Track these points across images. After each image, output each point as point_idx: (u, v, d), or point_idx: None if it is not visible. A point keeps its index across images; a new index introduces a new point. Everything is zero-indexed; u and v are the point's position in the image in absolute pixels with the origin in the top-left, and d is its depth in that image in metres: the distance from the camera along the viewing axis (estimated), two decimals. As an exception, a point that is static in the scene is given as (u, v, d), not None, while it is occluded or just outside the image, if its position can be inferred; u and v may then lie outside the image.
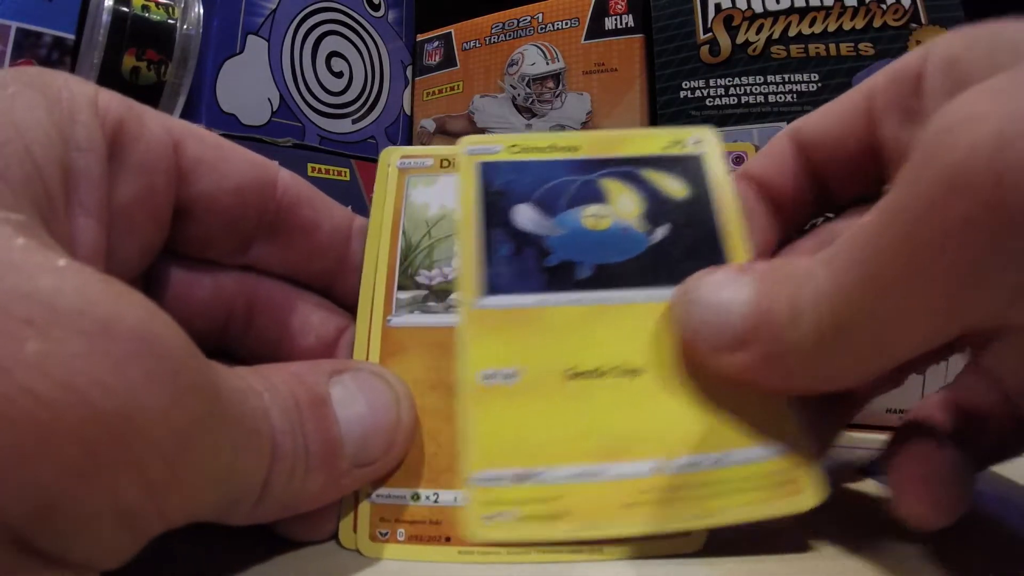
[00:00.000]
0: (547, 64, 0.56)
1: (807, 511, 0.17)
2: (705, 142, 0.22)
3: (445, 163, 0.22)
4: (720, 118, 0.50)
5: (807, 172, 0.21)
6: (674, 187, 0.21)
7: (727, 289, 0.17)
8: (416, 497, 0.17)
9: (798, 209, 0.22)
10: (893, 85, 0.18)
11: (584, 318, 0.19)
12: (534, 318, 0.19)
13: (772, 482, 0.17)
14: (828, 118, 0.21)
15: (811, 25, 0.49)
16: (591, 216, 0.20)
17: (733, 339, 0.17)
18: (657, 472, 0.17)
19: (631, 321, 0.19)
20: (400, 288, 0.20)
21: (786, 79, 0.49)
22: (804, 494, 0.17)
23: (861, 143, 0.20)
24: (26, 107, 0.14)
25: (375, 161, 0.23)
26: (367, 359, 0.19)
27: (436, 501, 0.17)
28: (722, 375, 0.17)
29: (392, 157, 0.22)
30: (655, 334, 0.19)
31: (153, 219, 0.17)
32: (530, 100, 0.56)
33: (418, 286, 0.20)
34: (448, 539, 0.17)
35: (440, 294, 0.20)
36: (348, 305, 0.21)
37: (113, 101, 0.16)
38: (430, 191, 0.21)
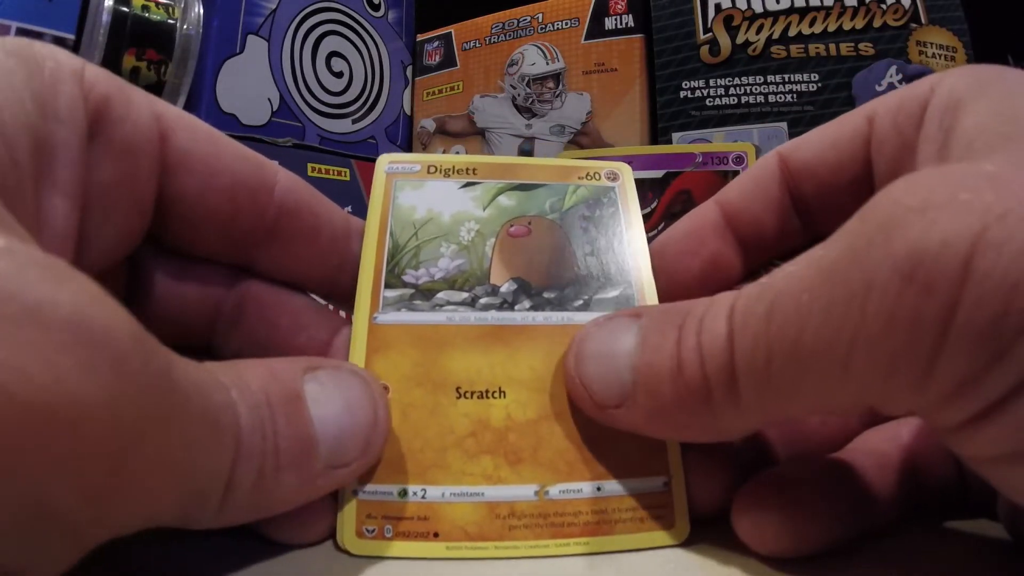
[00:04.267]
0: (547, 64, 0.56)
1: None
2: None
3: (432, 169, 0.23)
4: (720, 118, 0.50)
5: (793, 202, 0.20)
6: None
7: (616, 339, 0.17)
8: (403, 493, 0.17)
9: (774, 242, 0.21)
10: (897, 111, 0.17)
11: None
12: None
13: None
14: (824, 142, 0.19)
15: (811, 25, 0.49)
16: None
17: (620, 394, 0.16)
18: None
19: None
20: (387, 286, 0.20)
21: (786, 79, 0.49)
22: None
23: (857, 173, 0.18)
24: (1, 73, 0.13)
25: (375, 161, 0.23)
26: (354, 356, 0.19)
27: (424, 497, 0.17)
28: (614, 428, 0.17)
29: (382, 162, 0.23)
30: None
31: (132, 207, 0.16)
32: (530, 100, 0.56)
33: (405, 285, 0.20)
34: (436, 535, 0.17)
35: (426, 293, 0.20)
36: (348, 306, 0.20)
37: (101, 76, 0.16)
38: (417, 195, 0.22)
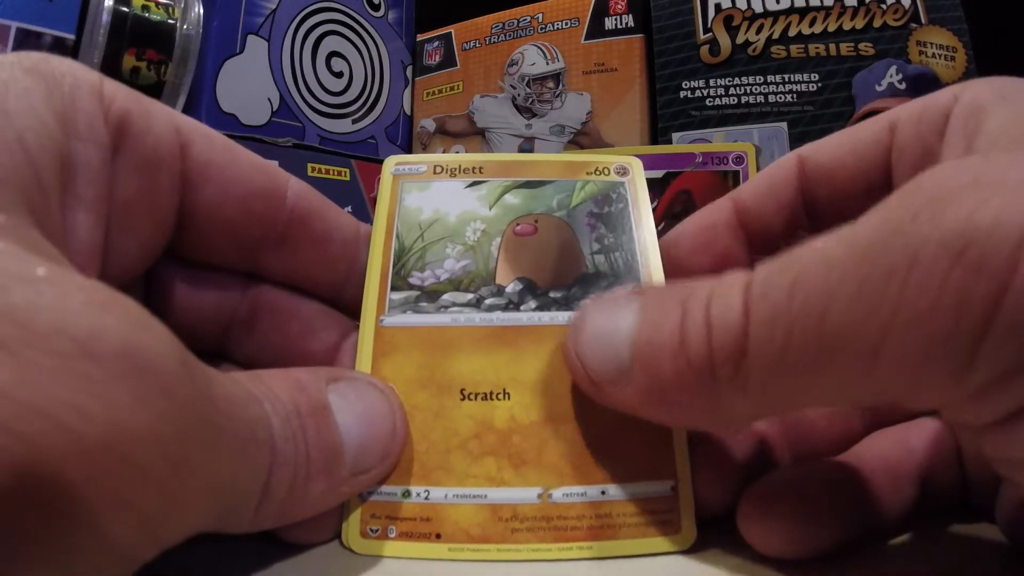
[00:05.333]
0: (547, 64, 0.56)
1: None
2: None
3: (439, 169, 0.23)
4: (720, 118, 0.50)
5: (805, 204, 0.20)
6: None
7: (615, 315, 0.16)
8: (407, 494, 0.17)
9: (779, 241, 0.21)
10: (919, 119, 0.17)
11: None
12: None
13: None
14: (843, 148, 0.19)
15: (811, 25, 0.49)
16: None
17: (618, 371, 0.15)
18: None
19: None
20: (393, 289, 0.20)
21: (786, 79, 0.49)
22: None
23: (875, 181, 0.18)
24: (21, 92, 0.13)
25: (375, 161, 0.23)
26: (360, 359, 0.19)
27: (427, 498, 0.17)
28: (611, 408, 0.17)
29: (389, 164, 0.23)
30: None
31: (155, 219, 0.17)
32: (530, 100, 0.56)
33: (411, 287, 0.20)
34: (438, 536, 0.17)
35: (432, 295, 0.20)
36: (356, 311, 0.20)
37: (119, 92, 0.16)
38: (423, 196, 0.22)
